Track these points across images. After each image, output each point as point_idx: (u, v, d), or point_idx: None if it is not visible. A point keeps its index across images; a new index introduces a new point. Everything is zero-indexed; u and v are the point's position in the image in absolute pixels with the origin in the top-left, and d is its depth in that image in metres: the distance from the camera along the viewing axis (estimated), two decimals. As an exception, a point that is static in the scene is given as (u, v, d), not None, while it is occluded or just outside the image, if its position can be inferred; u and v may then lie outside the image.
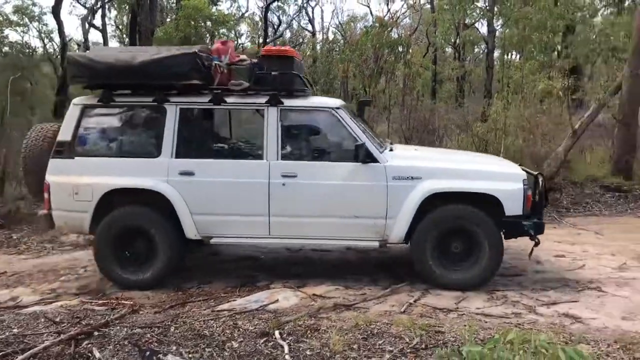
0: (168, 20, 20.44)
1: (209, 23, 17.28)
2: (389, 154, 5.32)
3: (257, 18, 30.76)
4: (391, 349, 3.70)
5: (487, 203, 5.05)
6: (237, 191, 5.18)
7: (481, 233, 5.03)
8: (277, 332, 3.98)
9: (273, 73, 5.23)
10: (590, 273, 5.64)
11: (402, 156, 5.43)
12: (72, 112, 5.34)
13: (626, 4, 16.53)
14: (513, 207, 5.02)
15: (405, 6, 30.49)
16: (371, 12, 38.64)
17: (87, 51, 6.88)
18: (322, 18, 67.71)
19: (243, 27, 30.33)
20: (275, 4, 26.91)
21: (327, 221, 5.18)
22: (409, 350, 3.67)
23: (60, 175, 5.24)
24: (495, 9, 15.71)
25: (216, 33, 17.59)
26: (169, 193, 5.16)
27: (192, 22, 15.79)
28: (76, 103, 5.40)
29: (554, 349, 3.12)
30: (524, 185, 5.09)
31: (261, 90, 5.28)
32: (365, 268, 5.94)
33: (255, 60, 5.41)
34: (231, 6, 37.25)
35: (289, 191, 5.13)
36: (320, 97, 6.08)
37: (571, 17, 13.38)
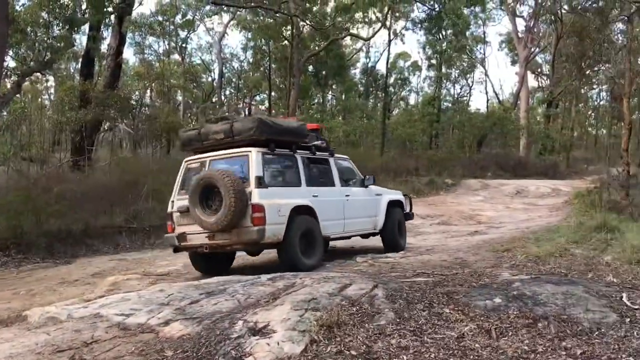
0: None
1: None
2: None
3: None
4: None
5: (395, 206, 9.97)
6: (334, 205, 8.59)
7: (402, 221, 10.05)
8: None
9: (321, 138, 9.27)
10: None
11: (367, 185, 9.61)
12: (257, 157, 7.63)
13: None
14: (405, 206, 10.27)
15: None
16: None
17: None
18: None
19: None
20: None
21: (361, 220, 9.16)
22: None
23: (269, 199, 7.48)
24: None
25: None
26: (314, 207, 8.06)
27: None
28: (258, 151, 7.71)
29: None
30: (403, 196, 10.50)
31: (323, 148, 9.03)
32: None
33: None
34: None
35: (350, 203, 8.87)
36: None
37: None
